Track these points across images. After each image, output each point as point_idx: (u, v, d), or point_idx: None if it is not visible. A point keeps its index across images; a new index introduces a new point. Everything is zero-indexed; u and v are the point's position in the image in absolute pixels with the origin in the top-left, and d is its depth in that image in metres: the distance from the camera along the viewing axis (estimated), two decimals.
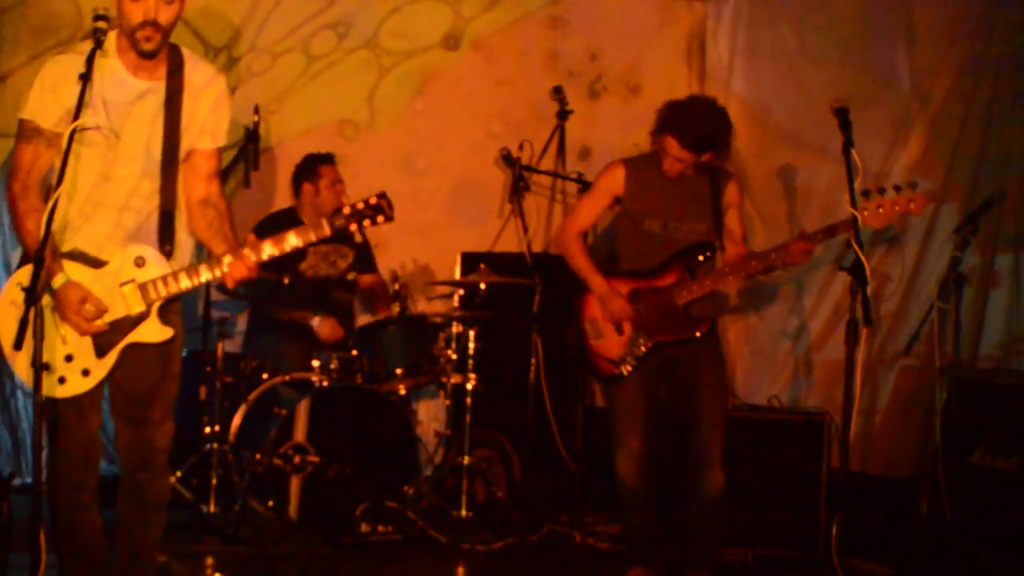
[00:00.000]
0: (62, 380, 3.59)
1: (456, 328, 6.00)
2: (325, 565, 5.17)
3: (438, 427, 6.49)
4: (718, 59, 7.00)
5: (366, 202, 3.66)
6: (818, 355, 6.20)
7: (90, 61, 3.48)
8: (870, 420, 5.77)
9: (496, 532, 5.58)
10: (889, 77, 5.94)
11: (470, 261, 6.52)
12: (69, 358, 3.59)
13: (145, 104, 3.66)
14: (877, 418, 5.80)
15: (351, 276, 6.26)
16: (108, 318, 3.60)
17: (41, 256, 3.35)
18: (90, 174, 3.63)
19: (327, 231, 3.64)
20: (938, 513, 4.94)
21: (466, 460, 5.84)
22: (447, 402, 6.23)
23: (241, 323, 6.30)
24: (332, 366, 5.60)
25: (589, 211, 4.95)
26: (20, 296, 3.39)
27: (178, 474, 5.46)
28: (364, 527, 5.35)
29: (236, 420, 5.58)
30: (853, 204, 4.17)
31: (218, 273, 3.65)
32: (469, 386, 5.90)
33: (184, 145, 3.72)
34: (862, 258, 4.08)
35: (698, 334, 4.67)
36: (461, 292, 6.33)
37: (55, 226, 3.52)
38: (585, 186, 6.21)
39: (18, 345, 3.31)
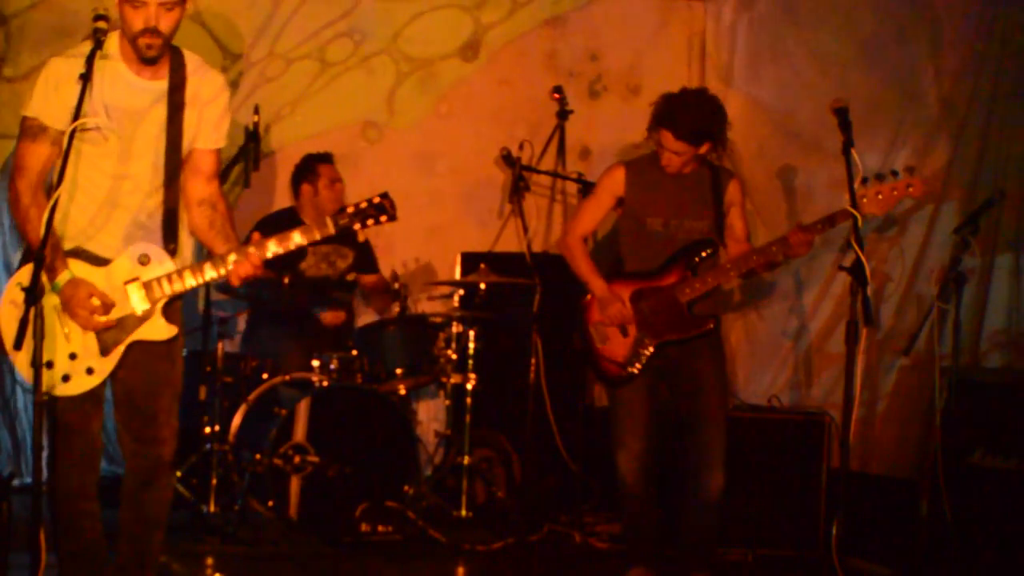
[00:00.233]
0: (66, 378, 3.59)
1: (456, 328, 6.00)
2: (325, 565, 5.16)
3: (438, 427, 6.49)
4: (718, 59, 7.00)
5: (369, 201, 3.67)
6: (818, 355, 6.20)
7: (90, 61, 3.49)
8: (870, 420, 5.76)
9: (496, 532, 5.57)
10: (889, 77, 5.94)
11: (470, 261, 6.52)
12: (73, 356, 3.59)
13: (150, 103, 3.66)
14: (877, 418, 5.79)
15: (351, 277, 6.26)
16: (114, 315, 3.60)
17: (41, 255, 3.36)
18: (96, 174, 3.63)
19: (331, 230, 3.65)
20: (938, 513, 4.94)
21: (466, 460, 5.85)
22: (447, 402, 6.24)
23: (241, 323, 6.30)
24: (332, 366, 5.61)
25: (591, 214, 4.94)
26: (21, 296, 3.39)
27: (178, 474, 5.46)
28: (364, 527, 5.35)
29: (236, 420, 5.58)
30: (853, 205, 4.18)
31: (223, 271, 3.65)
32: (469, 386, 5.91)
33: (186, 145, 3.72)
34: (862, 258, 4.08)
35: (703, 331, 4.67)
36: (461, 292, 6.34)
37: (60, 229, 3.53)
38: (585, 186, 6.22)
39: (18, 345, 3.31)
